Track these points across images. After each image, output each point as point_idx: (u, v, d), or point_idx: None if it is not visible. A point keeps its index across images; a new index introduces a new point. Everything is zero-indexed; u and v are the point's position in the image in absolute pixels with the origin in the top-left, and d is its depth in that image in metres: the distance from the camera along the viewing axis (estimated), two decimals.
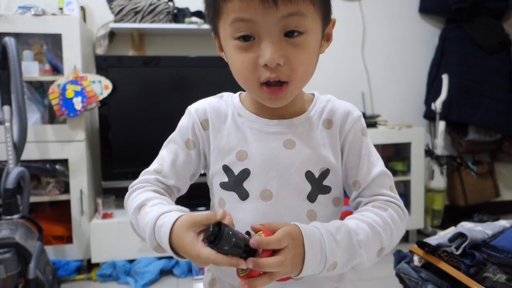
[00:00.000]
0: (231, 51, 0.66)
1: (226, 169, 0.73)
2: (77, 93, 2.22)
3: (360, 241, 0.64)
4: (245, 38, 0.63)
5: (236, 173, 0.72)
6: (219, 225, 0.55)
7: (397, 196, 0.73)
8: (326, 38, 0.71)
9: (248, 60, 0.64)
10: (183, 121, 0.77)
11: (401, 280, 1.47)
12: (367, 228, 0.66)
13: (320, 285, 0.72)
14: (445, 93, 2.80)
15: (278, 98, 0.67)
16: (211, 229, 0.55)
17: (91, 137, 2.43)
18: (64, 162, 2.28)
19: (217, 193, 0.75)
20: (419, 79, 3.06)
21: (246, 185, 0.71)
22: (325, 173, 0.72)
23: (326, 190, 0.73)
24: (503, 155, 3.14)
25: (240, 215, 0.70)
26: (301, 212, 0.71)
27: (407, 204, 2.69)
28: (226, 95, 0.79)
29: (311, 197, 0.71)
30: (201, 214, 0.59)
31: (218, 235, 0.54)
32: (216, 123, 0.74)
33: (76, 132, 2.26)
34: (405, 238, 2.68)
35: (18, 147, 2.00)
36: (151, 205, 0.67)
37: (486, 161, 3.11)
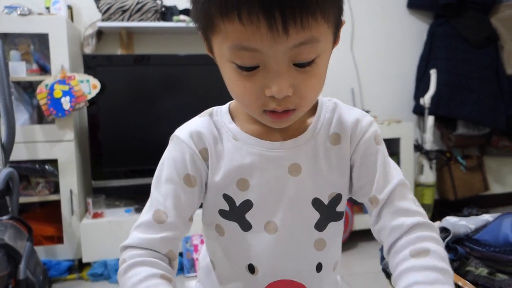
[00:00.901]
0: (229, 73, 0.57)
1: (227, 198, 0.64)
2: (65, 93, 2.21)
3: None
4: (248, 68, 0.54)
5: (237, 204, 0.64)
6: None
7: (420, 210, 0.63)
8: (334, 42, 0.61)
9: (251, 88, 0.55)
10: (175, 154, 0.63)
11: (387, 275, 1.49)
12: None
13: None
14: (433, 88, 2.82)
15: (283, 122, 0.59)
16: None
17: (80, 137, 2.43)
18: (54, 162, 2.28)
19: (214, 219, 0.67)
20: (408, 74, 3.07)
21: (249, 216, 0.64)
22: (336, 199, 0.65)
23: (339, 216, 0.67)
24: (492, 149, 3.17)
25: (243, 246, 0.65)
26: (308, 243, 0.66)
27: None
28: (215, 113, 0.67)
29: (320, 226, 0.65)
30: None
31: None
32: (214, 151, 0.64)
33: (65, 132, 2.25)
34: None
35: (6, 148, 1.99)
36: None
37: (475, 155, 3.14)
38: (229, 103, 0.68)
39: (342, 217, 0.67)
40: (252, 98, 0.56)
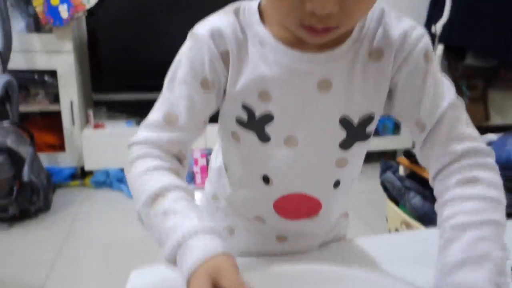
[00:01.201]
0: None
1: (246, 108, 0.57)
2: (62, 1, 2.11)
3: (502, 257, 0.49)
4: None
5: (257, 116, 0.57)
6: None
7: (474, 133, 0.55)
8: None
9: (289, 1, 0.46)
10: (193, 54, 0.55)
11: (385, 189, 1.52)
12: (494, 237, 0.49)
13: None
14: (446, 16, 2.72)
15: (321, 39, 0.50)
16: None
17: (79, 49, 2.36)
18: (53, 73, 2.23)
19: (230, 126, 0.60)
20: (421, 1, 2.96)
21: (268, 128, 0.58)
22: (367, 119, 0.58)
23: (367, 136, 0.60)
24: (498, 82, 3.13)
25: (260, 156, 0.60)
26: (330, 160, 0.60)
27: (398, 124, 2.73)
28: (242, 11, 0.57)
29: (345, 145, 0.59)
30: (229, 271, 0.44)
31: None
32: (237, 56, 0.55)
33: (64, 42, 2.19)
34: (393, 157, 2.75)
35: (4, 55, 1.95)
36: (173, 199, 0.50)
37: (480, 87, 3.11)
38: (257, 1, 0.57)
39: (370, 137, 0.60)
40: (289, 10, 0.46)
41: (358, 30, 0.55)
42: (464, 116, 0.55)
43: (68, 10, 2.12)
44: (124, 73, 2.37)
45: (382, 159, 1.59)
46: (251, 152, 0.60)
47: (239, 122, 0.59)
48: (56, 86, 2.25)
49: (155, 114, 0.56)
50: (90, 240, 1.81)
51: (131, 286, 0.59)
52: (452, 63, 3.00)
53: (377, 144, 2.62)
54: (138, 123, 2.33)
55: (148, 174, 0.52)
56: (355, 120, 0.57)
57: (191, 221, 0.47)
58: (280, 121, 0.57)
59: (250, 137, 0.59)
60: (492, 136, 1.44)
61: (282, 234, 0.64)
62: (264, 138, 0.58)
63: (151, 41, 2.31)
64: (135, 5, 2.33)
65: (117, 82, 2.36)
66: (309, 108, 0.56)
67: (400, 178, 1.44)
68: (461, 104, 0.56)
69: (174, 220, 0.48)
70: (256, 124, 0.58)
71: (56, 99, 2.28)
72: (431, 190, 1.42)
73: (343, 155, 0.59)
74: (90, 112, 2.27)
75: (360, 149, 0.61)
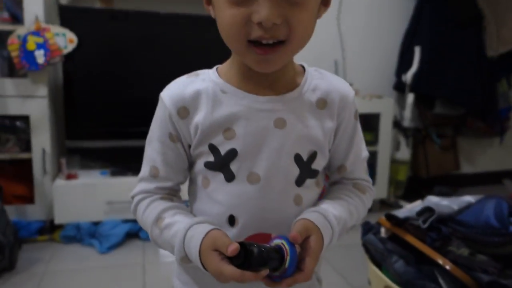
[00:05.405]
0: (221, 4, 0.59)
1: (212, 148, 0.67)
2: (39, 46, 2.07)
3: (347, 227, 0.71)
4: None
5: (222, 153, 0.66)
6: (244, 248, 0.56)
7: (369, 179, 0.78)
8: (324, 2, 0.66)
9: (240, 15, 0.57)
10: (159, 113, 0.69)
11: (367, 251, 1.51)
12: (354, 212, 0.72)
13: None
14: (416, 65, 2.82)
15: (269, 61, 0.61)
16: (236, 257, 0.57)
17: (54, 94, 2.30)
18: (25, 118, 2.16)
19: (200, 172, 0.70)
20: (392, 49, 3.05)
21: (233, 166, 0.66)
22: (313, 156, 0.69)
23: (314, 174, 0.70)
24: (466, 130, 3.24)
25: (225, 197, 0.67)
26: (289, 197, 0.68)
27: (373, 174, 2.75)
28: (202, 72, 0.70)
29: (299, 181, 0.68)
30: (223, 239, 0.59)
31: (245, 261, 0.56)
32: (197, 105, 0.66)
33: (38, 87, 2.13)
34: (369, 208, 2.76)
35: None
36: (171, 215, 0.67)
37: (450, 135, 3.21)
38: (215, 66, 0.71)
39: (316, 175, 0.70)
40: (239, 26, 0.58)
41: (303, 83, 0.69)
42: (366, 167, 0.78)
43: (45, 55, 2.08)
44: (100, 119, 2.32)
45: (364, 221, 1.59)
46: (218, 194, 0.68)
47: (207, 165, 0.68)
48: (28, 133, 2.17)
49: (143, 170, 0.71)
50: None
51: None
52: (422, 111, 3.10)
53: None
54: (113, 173, 2.26)
55: (148, 209, 0.68)
56: (305, 156, 0.68)
57: (186, 222, 0.64)
58: (243, 157, 0.66)
59: (217, 178, 0.67)
60: (469, 198, 1.46)
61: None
62: (229, 176, 0.67)
63: (127, 89, 2.29)
64: (112, 50, 2.31)
65: (92, 129, 2.31)
66: (268, 143, 0.66)
67: (382, 240, 1.43)
68: (367, 159, 0.77)
69: (175, 227, 0.65)
70: (222, 161, 0.66)
71: (27, 146, 2.20)
72: (414, 254, 1.41)
73: (298, 191, 0.68)
74: (63, 160, 2.19)
75: (310, 186, 0.70)
